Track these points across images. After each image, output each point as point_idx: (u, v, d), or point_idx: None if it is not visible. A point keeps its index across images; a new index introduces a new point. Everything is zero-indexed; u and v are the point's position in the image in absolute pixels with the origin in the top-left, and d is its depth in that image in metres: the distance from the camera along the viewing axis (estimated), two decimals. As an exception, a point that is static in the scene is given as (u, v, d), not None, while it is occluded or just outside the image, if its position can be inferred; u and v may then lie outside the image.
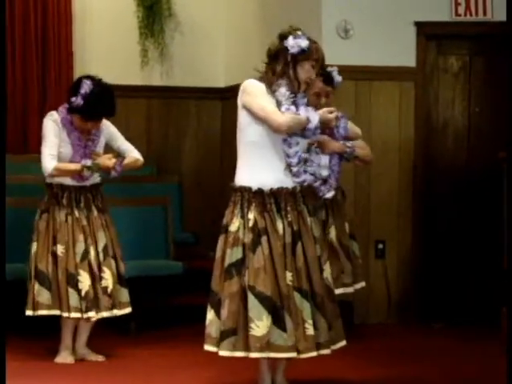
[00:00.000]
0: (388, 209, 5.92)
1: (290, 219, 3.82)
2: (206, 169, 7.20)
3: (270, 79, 3.86)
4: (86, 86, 4.63)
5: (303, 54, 3.83)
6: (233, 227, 3.82)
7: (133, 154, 4.86)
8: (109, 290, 4.66)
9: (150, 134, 7.10)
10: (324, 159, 4.99)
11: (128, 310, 4.79)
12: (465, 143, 6.02)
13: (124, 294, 4.76)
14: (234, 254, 3.78)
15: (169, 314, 5.76)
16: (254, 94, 3.81)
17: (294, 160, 3.82)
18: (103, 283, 4.65)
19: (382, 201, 5.91)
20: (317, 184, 4.98)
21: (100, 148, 4.80)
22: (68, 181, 4.71)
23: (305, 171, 3.85)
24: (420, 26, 5.89)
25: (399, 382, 4.45)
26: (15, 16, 6.56)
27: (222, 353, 3.75)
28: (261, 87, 3.84)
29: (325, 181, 5.01)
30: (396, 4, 5.89)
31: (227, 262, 3.79)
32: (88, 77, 4.73)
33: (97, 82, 4.70)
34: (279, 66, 3.85)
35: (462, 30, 5.89)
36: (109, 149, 4.90)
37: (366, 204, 5.88)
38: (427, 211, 5.99)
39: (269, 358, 3.83)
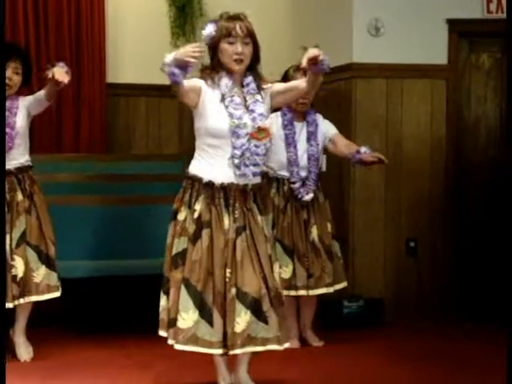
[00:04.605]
0: (420, 207, 5.91)
1: (236, 215, 3.78)
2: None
3: (206, 74, 3.80)
4: None
5: (214, 39, 3.76)
6: (180, 216, 3.80)
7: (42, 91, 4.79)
8: (18, 278, 4.61)
9: (181, 134, 7.13)
10: (302, 161, 5.03)
11: (57, 294, 4.73)
12: (497, 140, 6.00)
13: (53, 278, 4.72)
14: (180, 244, 3.77)
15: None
16: None
17: (238, 152, 3.75)
18: (13, 271, 4.61)
19: (413, 199, 5.89)
20: (296, 186, 5.01)
21: (21, 120, 4.75)
22: None
23: (246, 165, 3.76)
24: (452, 24, 5.86)
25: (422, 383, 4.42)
26: (49, 21, 6.62)
27: (170, 341, 3.78)
28: (192, 80, 3.74)
29: (303, 182, 5.03)
30: (427, 1, 5.87)
31: (174, 251, 3.79)
32: None
33: None
34: (208, 63, 3.81)
35: (493, 27, 5.86)
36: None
37: (397, 202, 5.87)
38: (459, 209, 5.97)
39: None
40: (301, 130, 5.08)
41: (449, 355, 5.00)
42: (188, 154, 7.03)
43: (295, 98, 4.05)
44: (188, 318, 3.68)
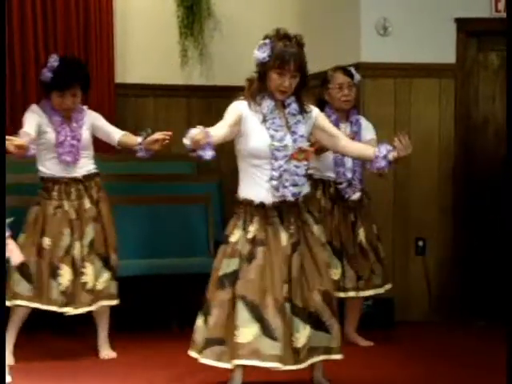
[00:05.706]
0: (428, 206, 5.90)
1: (292, 231, 3.81)
2: (246, 167, 7.20)
3: (251, 92, 3.83)
4: (52, 60, 4.71)
5: (265, 65, 3.77)
6: (233, 238, 3.82)
7: (122, 134, 4.86)
8: (88, 286, 4.63)
9: (190, 133, 7.15)
10: (348, 162, 5.01)
11: (116, 301, 4.75)
12: (505, 140, 5.97)
13: (114, 286, 4.74)
14: (230, 265, 3.78)
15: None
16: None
17: (276, 173, 3.79)
18: (83, 279, 4.62)
19: (422, 198, 5.89)
20: (342, 186, 5.00)
21: (86, 133, 4.79)
22: (59, 173, 4.68)
23: (285, 186, 3.79)
24: (460, 23, 5.86)
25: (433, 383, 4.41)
26: (57, 22, 6.63)
27: (204, 360, 3.76)
28: (232, 110, 3.82)
29: (349, 183, 5.02)
30: (435, 1, 5.87)
31: (222, 271, 3.79)
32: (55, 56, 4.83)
33: (63, 57, 4.87)
34: (255, 77, 3.83)
35: (502, 26, 5.83)
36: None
37: (405, 201, 5.87)
38: (468, 208, 5.96)
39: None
40: (345, 131, 5.04)
41: (458, 354, 5.01)
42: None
43: (328, 145, 4.07)
44: (248, 331, 3.67)
